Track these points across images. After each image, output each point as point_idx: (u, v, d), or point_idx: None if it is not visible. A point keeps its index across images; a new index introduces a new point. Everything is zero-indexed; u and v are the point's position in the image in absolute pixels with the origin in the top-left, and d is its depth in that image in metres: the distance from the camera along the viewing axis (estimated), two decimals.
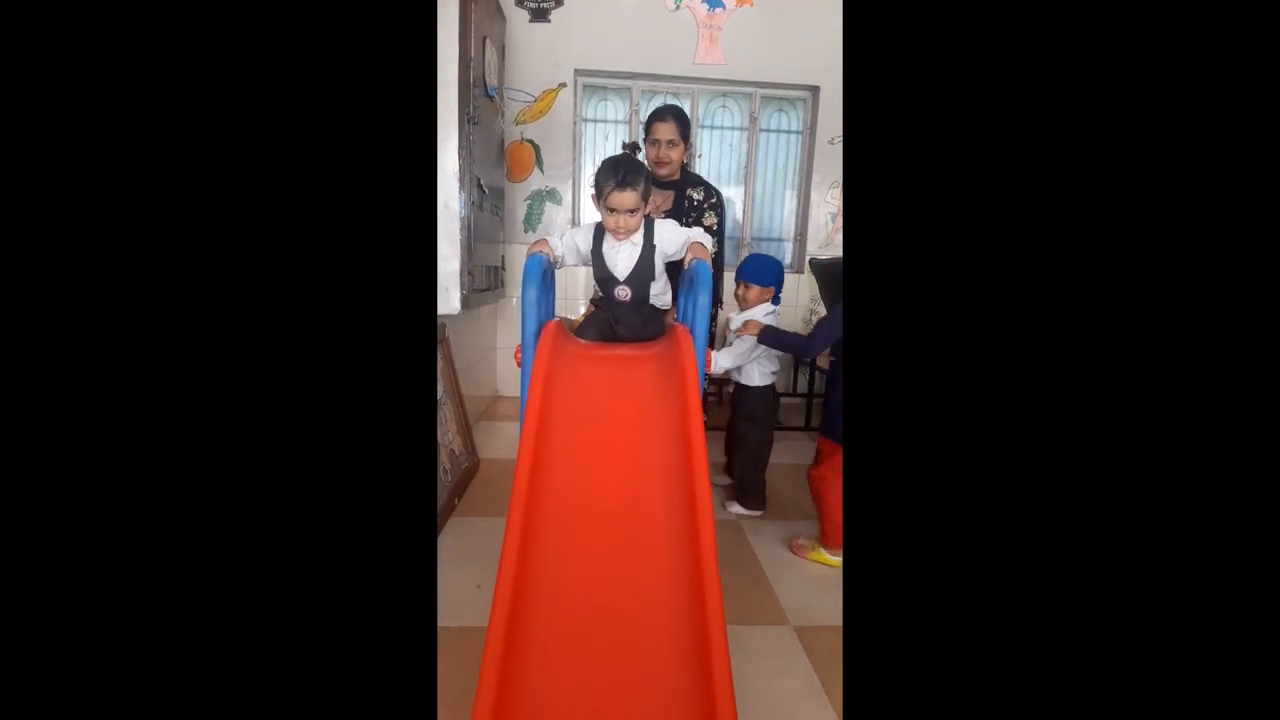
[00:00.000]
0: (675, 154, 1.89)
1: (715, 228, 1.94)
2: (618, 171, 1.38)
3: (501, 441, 2.50)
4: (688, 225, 1.90)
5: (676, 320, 1.53)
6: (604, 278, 1.52)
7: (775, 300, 1.93)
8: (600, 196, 1.42)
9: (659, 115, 1.90)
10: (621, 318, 1.53)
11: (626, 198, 1.38)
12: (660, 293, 1.54)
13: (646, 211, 1.46)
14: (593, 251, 1.51)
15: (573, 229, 1.56)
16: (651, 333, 1.52)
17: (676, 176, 1.93)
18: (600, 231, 1.50)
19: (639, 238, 1.48)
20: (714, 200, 1.95)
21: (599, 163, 1.51)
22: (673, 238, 1.48)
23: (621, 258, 1.48)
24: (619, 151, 1.61)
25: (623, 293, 1.50)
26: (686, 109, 3.08)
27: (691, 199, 1.93)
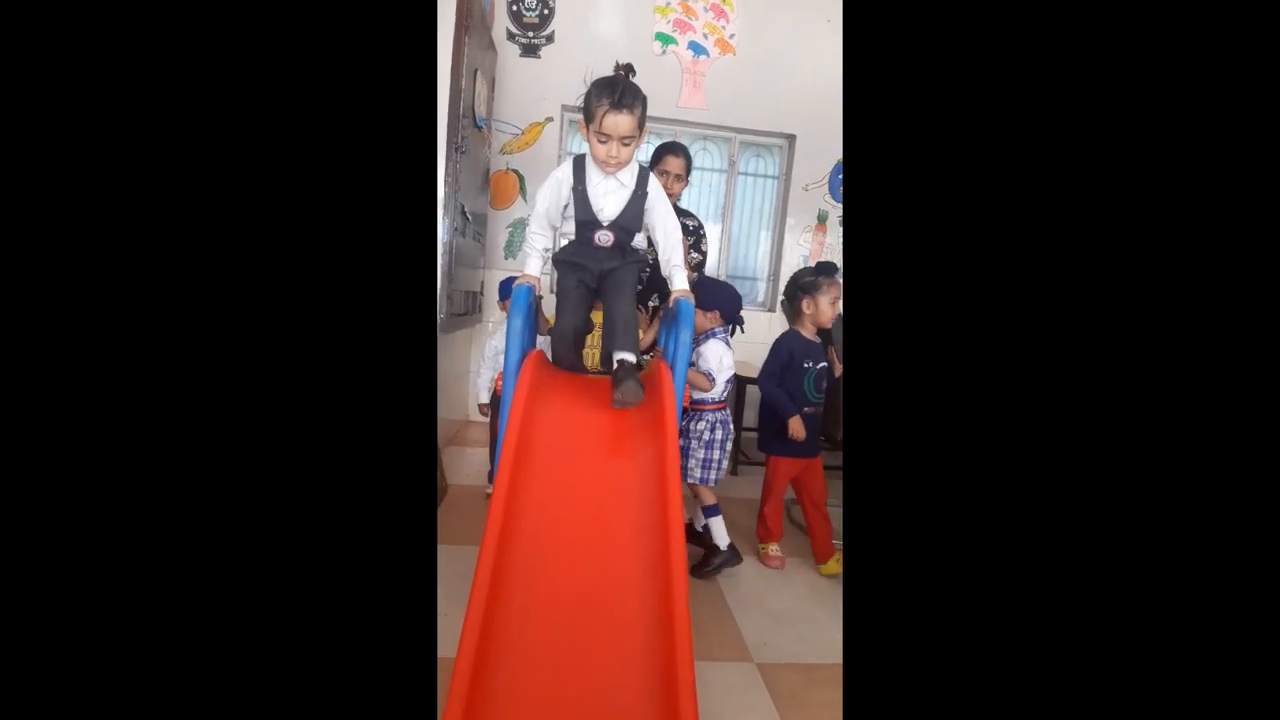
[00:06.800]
0: (678, 188, 2.00)
1: (705, 255, 2.09)
2: (613, 91, 1.19)
3: (471, 468, 2.47)
4: (686, 250, 1.94)
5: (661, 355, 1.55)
6: (585, 220, 1.31)
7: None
8: (591, 121, 1.22)
9: (672, 149, 2.00)
10: (601, 258, 1.34)
11: (622, 121, 1.19)
12: (639, 243, 1.38)
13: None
14: (575, 189, 1.28)
15: (548, 181, 1.34)
16: (630, 276, 1.36)
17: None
18: (583, 168, 1.29)
19: (629, 178, 1.28)
20: (703, 231, 2.10)
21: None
22: (666, 213, 1.32)
23: (610, 201, 1.29)
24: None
25: (604, 238, 1.32)
26: None
27: (687, 225, 2.04)
